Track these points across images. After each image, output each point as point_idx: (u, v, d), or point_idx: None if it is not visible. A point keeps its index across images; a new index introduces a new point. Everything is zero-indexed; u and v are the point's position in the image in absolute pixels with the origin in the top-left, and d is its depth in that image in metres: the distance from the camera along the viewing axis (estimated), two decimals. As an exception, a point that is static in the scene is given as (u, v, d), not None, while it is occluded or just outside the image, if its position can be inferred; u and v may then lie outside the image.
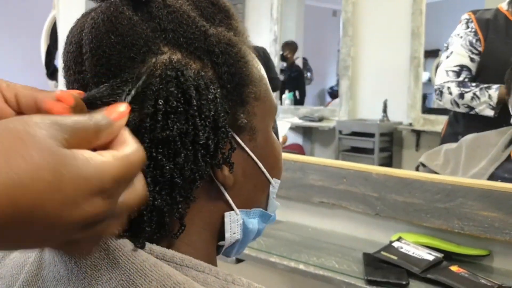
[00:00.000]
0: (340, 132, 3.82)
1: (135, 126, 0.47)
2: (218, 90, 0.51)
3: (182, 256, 0.51)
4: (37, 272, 0.53)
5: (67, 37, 0.53)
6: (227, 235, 0.56)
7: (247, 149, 0.56)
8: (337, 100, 4.40)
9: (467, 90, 1.97)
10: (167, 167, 0.48)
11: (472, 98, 1.95)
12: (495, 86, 1.91)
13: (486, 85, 1.94)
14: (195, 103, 0.48)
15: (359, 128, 3.79)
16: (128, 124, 0.44)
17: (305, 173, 1.81)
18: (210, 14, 0.53)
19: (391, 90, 3.75)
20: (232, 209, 0.56)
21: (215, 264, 0.57)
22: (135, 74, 0.48)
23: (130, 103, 0.46)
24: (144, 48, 0.49)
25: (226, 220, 0.56)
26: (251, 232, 0.59)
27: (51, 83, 3.45)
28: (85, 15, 0.52)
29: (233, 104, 0.53)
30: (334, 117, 4.26)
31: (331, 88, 5.77)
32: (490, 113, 1.92)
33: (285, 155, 0.60)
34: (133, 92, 0.47)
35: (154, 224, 0.49)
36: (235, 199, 0.56)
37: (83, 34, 0.51)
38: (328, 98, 5.83)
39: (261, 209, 0.61)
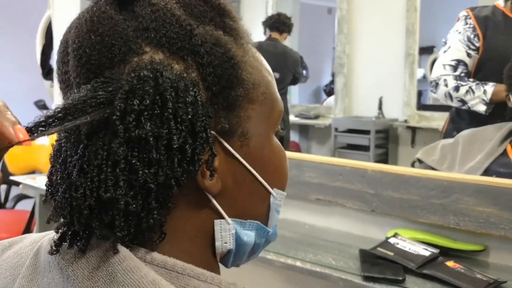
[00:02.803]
0: (336, 129, 3.82)
1: (114, 125, 0.46)
2: (201, 93, 0.49)
3: (184, 265, 0.49)
4: (32, 277, 0.53)
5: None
6: (217, 243, 0.54)
7: (237, 155, 0.52)
8: (332, 97, 4.40)
9: (463, 83, 1.99)
10: (141, 172, 0.46)
11: (467, 92, 1.97)
12: (491, 83, 1.93)
13: (483, 82, 1.95)
14: (170, 106, 0.46)
15: (354, 125, 3.79)
16: (107, 122, 0.46)
17: (302, 171, 1.81)
18: (200, 13, 0.51)
19: (386, 87, 3.76)
20: (223, 217, 0.54)
21: (217, 270, 0.56)
22: (116, 74, 0.47)
23: (109, 101, 0.46)
24: (124, 47, 0.48)
25: (216, 228, 0.53)
26: (246, 245, 0.56)
27: (47, 83, 3.44)
28: (78, 15, 0.52)
29: (220, 107, 0.50)
30: (329, 114, 4.27)
31: (327, 85, 5.77)
32: (482, 108, 1.94)
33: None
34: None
35: (131, 229, 0.48)
36: (228, 207, 0.53)
37: (69, 34, 0.51)
38: (323, 96, 5.83)
39: (257, 222, 0.57)
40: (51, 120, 0.46)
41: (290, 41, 5.15)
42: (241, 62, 0.52)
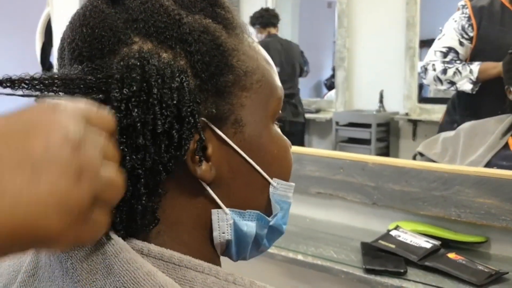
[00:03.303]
0: (337, 123, 3.83)
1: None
2: (189, 80, 0.49)
3: (181, 256, 0.49)
4: (34, 272, 0.53)
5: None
6: (214, 233, 0.54)
7: (229, 141, 0.53)
8: (333, 91, 4.40)
9: (450, 66, 2.04)
10: (128, 157, 0.47)
11: (454, 73, 2.01)
12: (477, 62, 1.95)
13: (469, 62, 1.98)
14: (155, 92, 0.47)
15: (355, 119, 3.79)
16: None
17: (302, 164, 1.81)
18: (190, 3, 0.52)
19: (387, 81, 3.76)
20: (220, 207, 0.54)
21: (217, 263, 0.56)
22: (106, 63, 0.48)
23: (98, 92, 0.47)
24: (113, 38, 0.49)
25: (214, 218, 0.53)
26: (247, 235, 0.56)
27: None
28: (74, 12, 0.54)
29: (210, 94, 0.51)
30: (330, 108, 4.27)
31: (327, 79, 5.77)
32: (468, 87, 1.98)
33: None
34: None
35: (123, 215, 0.48)
36: (225, 197, 0.54)
37: (65, 31, 0.52)
38: (324, 90, 5.83)
39: (257, 212, 0.56)
40: (36, 82, 0.45)
41: (290, 35, 5.16)
42: (232, 50, 0.52)
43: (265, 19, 4.01)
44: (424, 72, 2.14)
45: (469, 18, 2.02)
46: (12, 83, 0.44)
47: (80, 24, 0.50)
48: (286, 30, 5.11)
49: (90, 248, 0.49)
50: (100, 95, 0.47)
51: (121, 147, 0.47)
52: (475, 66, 1.97)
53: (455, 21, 2.07)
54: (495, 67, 1.90)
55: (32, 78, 0.45)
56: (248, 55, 0.54)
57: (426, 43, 3.90)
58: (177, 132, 0.48)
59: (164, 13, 0.50)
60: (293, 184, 0.60)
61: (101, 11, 0.50)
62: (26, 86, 0.45)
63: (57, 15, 2.88)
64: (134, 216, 0.49)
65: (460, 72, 2.00)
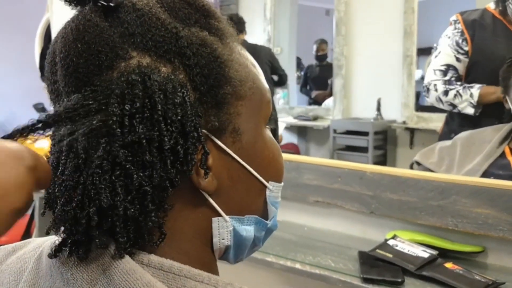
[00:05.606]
0: (335, 131, 3.84)
1: (105, 132, 0.47)
2: (189, 93, 0.49)
3: (181, 266, 0.50)
4: (34, 282, 0.53)
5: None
6: (214, 240, 0.55)
7: (229, 151, 0.53)
8: (331, 99, 4.41)
9: (451, 87, 2.04)
10: (135, 175, 0.47)
11: (455, 96, 2.02)
12: (477, 85, 1.97)
13: (469, 85, 1.99)
14: (160, 108, 0.47)
15: (353, 126, 3.80)
16: (97, 130, 0.46)
17: (300, 173, 1.82)
18: (185, 15, 0.52)
19: (384, 89, 3.77)
20: (220, 215, 0.54)
21: (215, 270, 0.56)
22: (104, 81, 0.48)
23: (99, 108, 0.47)
24: (110, 54, 0.48)
25: (214, 225, 0.54)
26: (246, 240, 0.57)
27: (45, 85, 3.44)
28: (64, 25, 0.52)
29: (209, 106, 0.51)
30: (328, 116, 4.28)
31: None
32: (470, 111, 1.99)
33: (280, 155, 0.59)
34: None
35: (130, 234, 0.48)
36: (225, 204, 0.54)
37: (56, 44, 0.51)
38: (322, 97, 5.84)
39: (256, 216, 0.58)
40: (40, 125, 0.47)
41: (288, 43, 5.17)
42: (228, 61, 0.52)
43: (240, 25, 3.99)
44: (426, 92, 2.14)
45: (462, 33, 2.03)
46: (21, 133, 0.47)
47: (74, 38, 0.49)
48: (284, 38, 5.12)
49: (91, 258, 0.49)
50: (99, 116, 0.47)
51: (127, 165, 0.47)
52: (475, 90, 1.96)
53: (449, 37, 2.07)
54: (494, 93, 1.91)
55: (39, 121, 0.47)
56: (239, 63, 0.54)
57: (423, 52, 3.92)
58: (182, 147, 0.48)
59: (161, 27, 0.50)
60: (282, 184, 0.61)
61: (95, 25, 0.49)
62: (37, 131, 0.47)
63: (57, 20, 2.89)
64: (141, 233, 0.49)
65: (460, 95, 2.00)
